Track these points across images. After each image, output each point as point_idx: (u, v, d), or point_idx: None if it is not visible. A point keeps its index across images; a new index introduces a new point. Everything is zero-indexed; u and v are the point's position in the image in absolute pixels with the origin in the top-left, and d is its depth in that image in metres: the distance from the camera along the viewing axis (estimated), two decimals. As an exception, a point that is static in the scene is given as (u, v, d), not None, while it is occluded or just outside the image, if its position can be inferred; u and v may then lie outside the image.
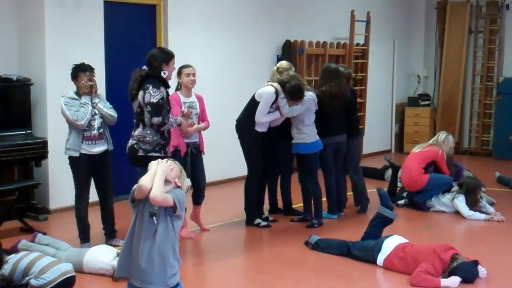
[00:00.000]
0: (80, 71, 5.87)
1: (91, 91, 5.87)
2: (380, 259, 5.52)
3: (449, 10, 12.30)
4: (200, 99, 6.49)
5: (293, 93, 6.58)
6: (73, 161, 5.87)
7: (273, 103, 6.64)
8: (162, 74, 5.57)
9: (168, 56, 5.66)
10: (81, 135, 5.81)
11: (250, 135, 6.71)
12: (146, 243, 3.61)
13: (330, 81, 6.97)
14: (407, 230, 6.70)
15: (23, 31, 7.37)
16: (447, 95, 12.37)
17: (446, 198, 7.51)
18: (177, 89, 6.43)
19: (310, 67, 10.14)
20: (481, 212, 7.32)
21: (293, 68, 7.08)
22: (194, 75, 6.34)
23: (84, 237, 5.98)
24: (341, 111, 7.10)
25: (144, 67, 5.64)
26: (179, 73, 6.34)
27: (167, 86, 5.63)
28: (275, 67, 7.08)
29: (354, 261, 5.68)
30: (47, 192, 7.31)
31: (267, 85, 6.76)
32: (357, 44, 11.10)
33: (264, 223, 6.89)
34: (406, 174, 7.76)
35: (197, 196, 6.55)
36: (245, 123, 6.75)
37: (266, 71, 9.06)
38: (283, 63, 7.11)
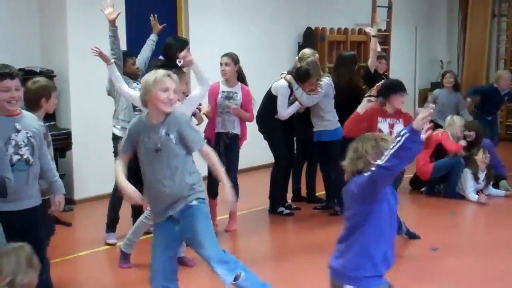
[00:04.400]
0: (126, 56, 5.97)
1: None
2: None
3: (471, -6, 12.16)
4: (244, 91, 6.28)
5: (300, 75, 6.52)
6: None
7: (290, 95, 6.62)
8: (177, 62, 5.56)
9: (182, 44, 5.64)
10: (131, 108, 5.80)
11: (270, 127, 6.70)
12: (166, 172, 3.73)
13: (335, 70, 7.00)
14: (431, 216, 6.68)
15: (45, 23, 7.41)
16: (470, 80, 12.21)
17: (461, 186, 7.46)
18: None
19: (332, 54, 10.08)
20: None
21: (316, 55, 6.99)
22: (227, 64, 6.21)
23: (111, 227, 5.99)
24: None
25: (161, 57, 5.65)
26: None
27: None
28: (297, 57, 7.03)
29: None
30: (71, 183, 7.36)
31: (281, 77, 6.72)
32: (379, 30, 10.97)
33: (287, 211, 6.89)
34: (417, 163, 7.69)
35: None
36: (264, 116, 6.71)
37: (288, 58, 9.02)
38: (306, 51, 6.98)
